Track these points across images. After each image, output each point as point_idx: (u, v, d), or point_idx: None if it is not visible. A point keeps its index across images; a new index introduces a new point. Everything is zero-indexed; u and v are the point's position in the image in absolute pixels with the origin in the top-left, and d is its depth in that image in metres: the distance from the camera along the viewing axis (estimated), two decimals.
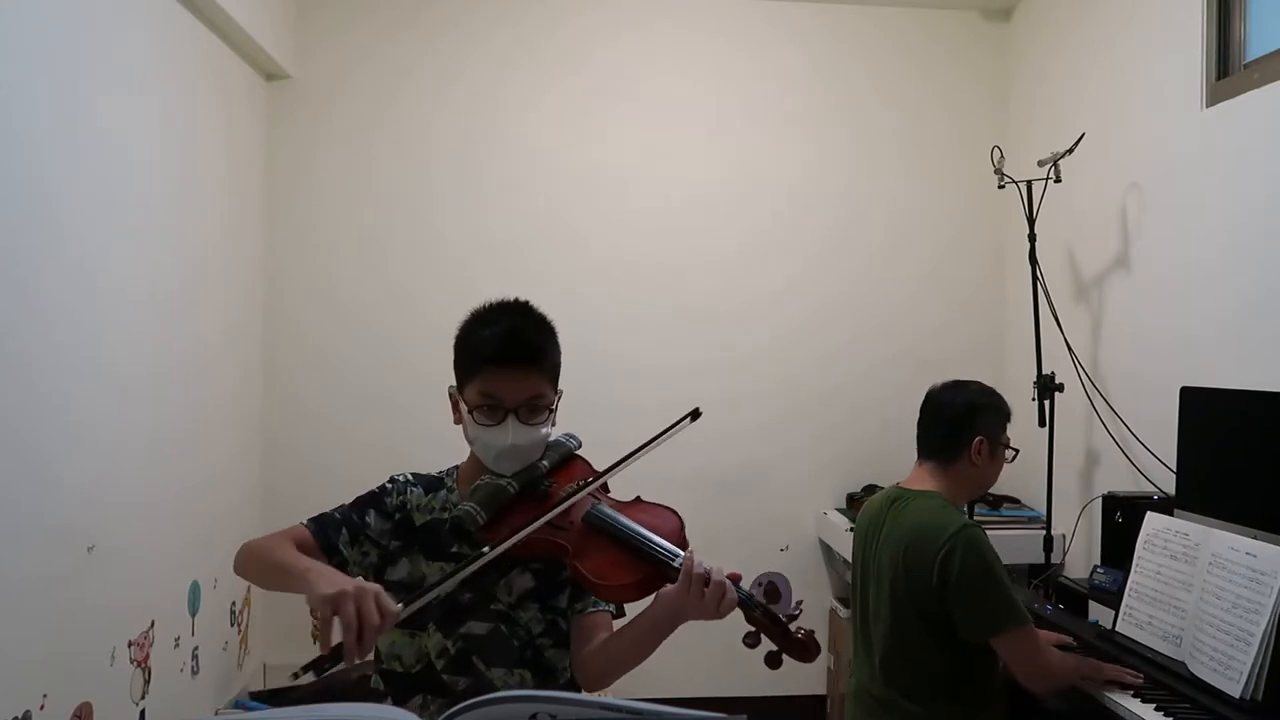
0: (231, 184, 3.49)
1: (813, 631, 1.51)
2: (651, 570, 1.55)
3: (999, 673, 2.25)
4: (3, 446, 2.07)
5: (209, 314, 3.26)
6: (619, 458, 1.61)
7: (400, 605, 1.41)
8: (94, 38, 2.48)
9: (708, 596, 1.48)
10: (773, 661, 1.50)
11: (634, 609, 1.60)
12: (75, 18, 2.38)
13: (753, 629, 1.52)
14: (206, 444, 3.23)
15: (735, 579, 1.52)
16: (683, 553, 1.55)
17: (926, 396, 2.43)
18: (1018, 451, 2.44)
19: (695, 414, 1.60)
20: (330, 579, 1.42)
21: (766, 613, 1.51)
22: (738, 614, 1.52)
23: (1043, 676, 2.17)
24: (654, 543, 1.57)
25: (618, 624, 1.68)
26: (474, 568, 1.49)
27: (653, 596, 1.56)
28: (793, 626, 1.50)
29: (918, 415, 2.43)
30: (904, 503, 2.31)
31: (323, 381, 3.87)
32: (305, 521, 1.65)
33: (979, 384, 2.42)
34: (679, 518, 1.66)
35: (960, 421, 2.33)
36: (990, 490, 3.55)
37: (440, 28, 3.90)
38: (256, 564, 1.59)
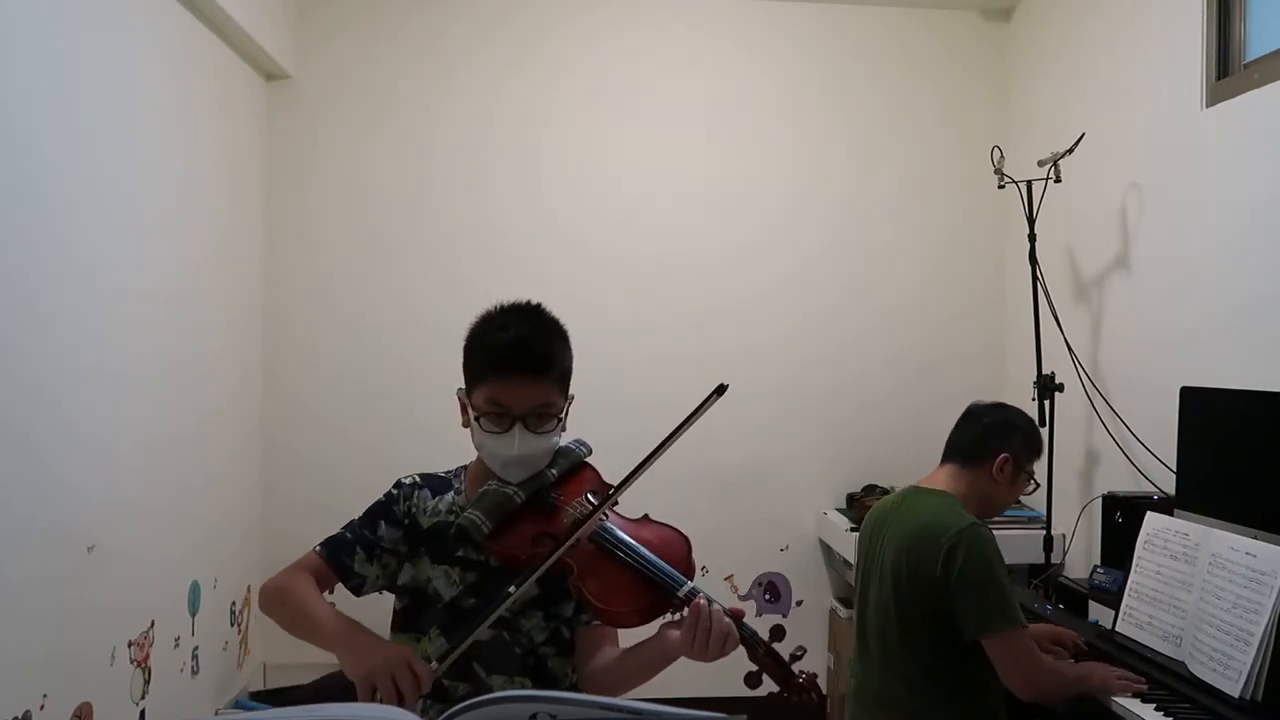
0: (231, 184, 3.49)
1: (815, 675, 1.51)
2: (655, 598, 1.54)
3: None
4: (3, 447, 2.07)
5: (209, 314, 3.26)
6: (641, 460, 1.48)
7: (434, 664, 1.45)
8: (94, 38, 2.48)
9: (711, 644, 1.47)
10: (774, 699, 1.51)
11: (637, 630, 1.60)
12: (75, 18, 2.38)
13: (755, 669, 1.52)
14: (206, 444, 3.23)
15: (738, 615, 1.50)
16: (688, 582, 1.54)
17: (967, 409, 2.47)
18: (1039, 485, 2.46)
19: (721, 389, 1.42)
20: (359, 654, 1.46)
21: (770, 653, 1.51)
22: (741, 650, 1.52)
23: (1029, 684, 2.13)
24: (661, 570, 1.55)
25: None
26: (502, 609, 1.50)
27: (656, 622, 1.56)
28: (795, 669, 1.51)
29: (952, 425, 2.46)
30: (915, 500, 2.32)
31: (323, 381, 3.87)
32: (317, 547, 1.66)
33: (1021, 411, 2.46)
34: (687, 541, 1.63)
35: (993, 432, 2.36)
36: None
37: (440, 27, 3.90)
38: (283, 611, 1.61)
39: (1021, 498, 3.60)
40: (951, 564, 2.14)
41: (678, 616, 1.54)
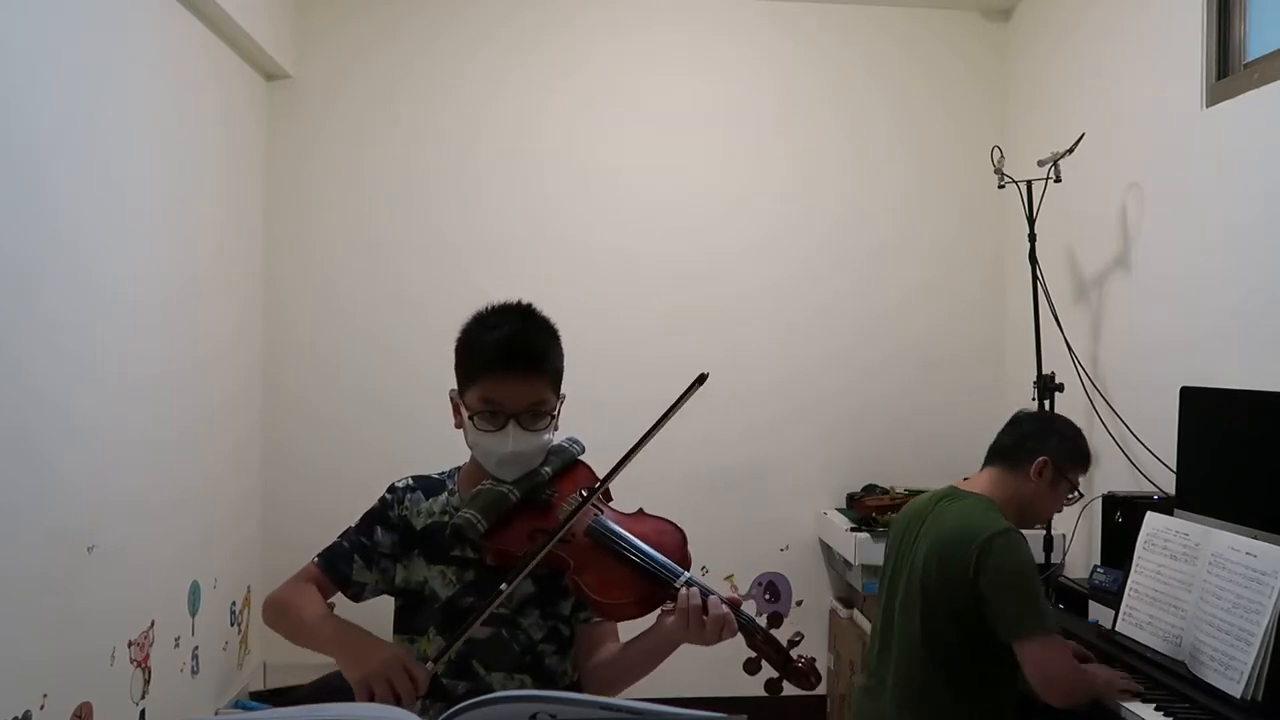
0: (231, 184, 3.49)
1: (813, 659, 1.51)
2: (652, 589, 1.54)
3: (1020, 674, 2.23)
4: (4, 447, 2.07)
5: (209, 314, 3.26)
6: (628, 449, 1.54)
7: (430, 663, 1.47)
8: (94, 38, 2.48)
9: (708, 628, 1.48)
10: (773, 688, 1.50)
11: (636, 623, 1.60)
12: (75, 18, 2.38)
13: (754, 655, 1.51)
14: (206, 444, 3.23)
15: (735, 604, 1.51)
16: (684, 572, 1.54)
17: (1014, 415, 2.46)
18: (1082, 495, 2.41)
19: (702, 379, 1.51)
20: (355, 658, 1.47)
21: (768, 639, 1.51)
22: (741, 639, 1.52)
23: (1054, 689, 2.11)
24: (656, 561, 1.55)
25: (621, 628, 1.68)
26: (495, 604, 1.50)
27: (654, 613, 1.56)
28: (794, 654, 1.50)
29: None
30: (951, 501, 2.30)
31: (323, 382, 3.87)
32: (315, 558, 1.67)
33: (1069, 420, 2.45)
34: (681, 533, 1.64)
35: (1034, 435, 2.34)
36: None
37: (440, 27, 3.90)
38: (283, 622, 1.63)
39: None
40: (983, 567, 2.12)
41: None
